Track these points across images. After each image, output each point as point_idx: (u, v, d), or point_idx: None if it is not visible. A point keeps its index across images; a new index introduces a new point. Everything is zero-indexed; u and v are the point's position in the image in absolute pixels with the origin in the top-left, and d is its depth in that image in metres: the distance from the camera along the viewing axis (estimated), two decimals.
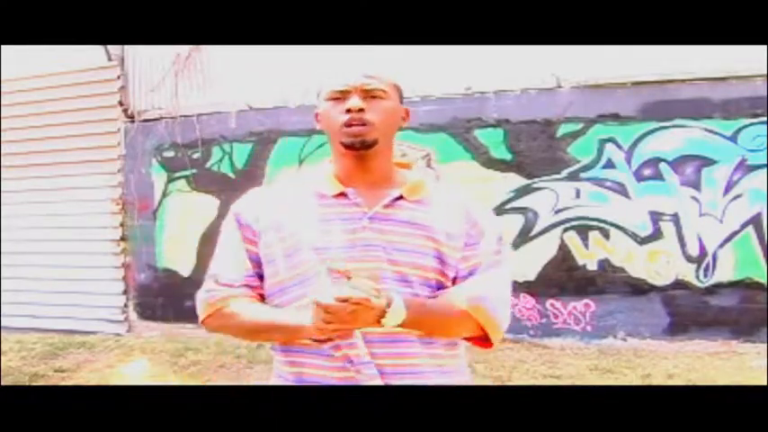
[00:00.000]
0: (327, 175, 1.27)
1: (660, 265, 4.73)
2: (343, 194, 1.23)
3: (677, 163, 4.67)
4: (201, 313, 1.29)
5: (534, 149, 4.92)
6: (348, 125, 1.19)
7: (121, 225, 5.90)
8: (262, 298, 1.27)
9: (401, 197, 1.23)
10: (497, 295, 1.24)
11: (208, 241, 5.19)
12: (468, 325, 1.21)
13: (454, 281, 1.23)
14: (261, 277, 1.26)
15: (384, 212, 1.21)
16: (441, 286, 1.21)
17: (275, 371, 1.28)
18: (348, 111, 1.18)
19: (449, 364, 1.24)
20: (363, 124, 1.18)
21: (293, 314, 1.16)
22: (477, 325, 1.21)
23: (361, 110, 1.18)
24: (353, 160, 1.23)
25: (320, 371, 1.18)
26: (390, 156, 1.28)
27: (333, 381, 1.16)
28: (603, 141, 4.80)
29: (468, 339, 1.27)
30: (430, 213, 1.23)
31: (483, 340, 1.25)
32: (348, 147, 1.20)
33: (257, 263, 1.26)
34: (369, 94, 1.21)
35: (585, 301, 4.84)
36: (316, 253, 1.18)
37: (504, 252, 1.28)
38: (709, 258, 4.64)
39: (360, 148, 1.20)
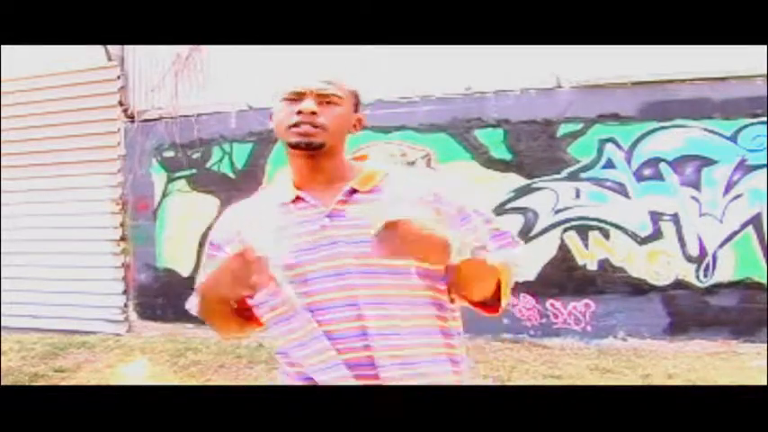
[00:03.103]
0: (285, 182, 1.29)
1: (660, 265, 4.73)
2: (299, 198, 1.24)
3: (677, 163, 4.67)
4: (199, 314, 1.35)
5: (534, 149, 4.92)
6: (296, 125, 1.19)
7: (121, 225, 5.90)
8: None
9: (355, 190, 1.23)
10: (514, 267, 1.26)
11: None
12: (491, 284, 1.22)
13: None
14: None
15: (340, 208, 1.21)
16: (419, 272, 1.19)
17: (280, 368, 1.30)
18: (299, 112, 1.19)
19: (455, 353, 1.24)
20: (314, 126, 1.19)
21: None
22: (495, 286, 1.22)
23: (313, 113, 1.18)
24: (304, 161, 1.24)
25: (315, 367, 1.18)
26: (342, 154, 1.28)
27: (330, 380, 1.16)
28: (603, 141, 4.80)
29: (476, 304, 1.26)
30: (389, 200, 1.22)
31: (489, 305, 1.26)
32: (294, 146, 1.21)
33: None
34: (324, 99, 1.20)
35: (585, 301, 4.84)
36: (279, 260, 1.18)
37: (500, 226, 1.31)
38: (709, 258, 4.64)
39: (305, 149, 1.20)
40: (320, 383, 1.17)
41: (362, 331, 1.16)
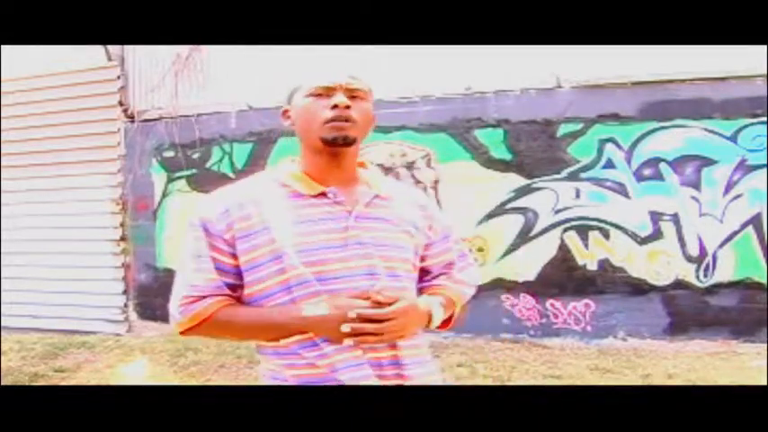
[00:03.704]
0: (297, 174, 1.25)
1: (660, 265, 4.73)
2: (322, 194, 1.22)
3: (677, 163, 4.67)
4: (179, 326, 1.24)
5: (534, 149, 4.92)
6: (332, 121, 1.19)
7: (121, 225, 5.90)
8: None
9: (377, 196, 1.26)
10: (473, 289, 1.42)
11: None
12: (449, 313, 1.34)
13: (426, 273, 1.36)
14: (230, 286, 1.23)
15: (366, 211, 1.23)
16: (414, 278, 1.30)
17: (269, 373, 1.24)
18: (335, 106, 1.18)
19: (427, 353, 1.30)
20: (347, 121, 1.19)
21: (289, 311, 1.17)
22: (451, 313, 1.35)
23: (347, 107, 1.19)
24: (328, 158, 1.23)
25: (312, 369, 1.18)
26: (357, 155, 1.30)
27: (330, 380, 1.16)
28: (603, 141, 4.80)
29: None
30: (398, 208, 1.28)
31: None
32: (329, 143, 1.20)
33: (227, 272, 1.21)
34: (352, 94, 1.21)
35: (585, 301, 4.84)
36: (303, 256, 1.16)
37: (465, 247, 1.45)
38: (709, 258, 4.64)
39: (341, 145, 1.20)
40: (343, 383, 1.15)
41: None
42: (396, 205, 1.28)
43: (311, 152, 1.25)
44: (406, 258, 1.25)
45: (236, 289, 1.24)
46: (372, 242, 1.20)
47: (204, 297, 1.21)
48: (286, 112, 1.29)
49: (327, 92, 1.21)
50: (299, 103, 1.24)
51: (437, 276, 1.36)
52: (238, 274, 1.22)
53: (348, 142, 1.20)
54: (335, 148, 1.21)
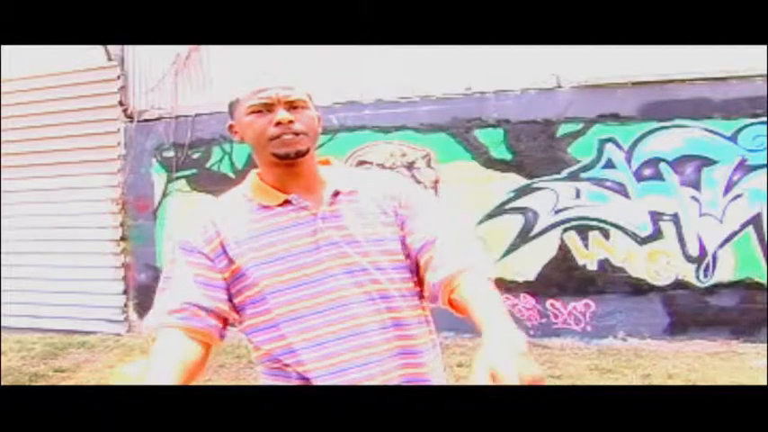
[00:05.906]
0: (261, 186, 1.27)
1: (660, 265, 4.73)
2: (287, 202, 1.23)
3: (677, 163, 4.67)
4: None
5: (534, 149, 4.92)
6: (278, 137, 1.19)
7: (121, 225, 5.90)
8: (216, 318, 1.23)
9: (338, 192, 1.25)
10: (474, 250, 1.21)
11: None
12: None
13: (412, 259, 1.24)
14: (206, 301, 1.22)
15: (331, 210, 1.22)
16: (407, 267, 1.24)
17: (270, 373, 1.26)
18: (278, 123, 1.19)
19: (434, 339, 1.31)
20: (295, 134, 1.19)
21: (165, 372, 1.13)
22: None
23: (290, 121, 1.19)
24: (285, 169, 1.23)
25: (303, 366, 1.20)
26: (315, 159, 1.29)
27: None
28: (603, 141, 4.80)
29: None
30: (365, 200, 1.26)
31: None
32: (282, 157, 1.20)
33: (206, 285, 1.22)
34: (291, 105, 1.21)
35: (585, 301, 4.84)
36: (278, 264, 1.19)
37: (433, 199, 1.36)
38: (709, 258, 4.64)
39: (294, 158, 1.21)
40: (346, 382, 1.16)
41: (395, 322, 1.20)
42: (363, 197, 1.26)
43: (268, 165, 1.25)
44: (390, 250, 1.22)
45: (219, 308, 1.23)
46: (345, 240, 1.20)
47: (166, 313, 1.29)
48: (232, 127, 1.28)
49: (267, 108, 1.21)
50: (242, 119, 1.24)
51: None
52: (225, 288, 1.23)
53: (300, 154, 1.21)
54: (290, 160, 1.21)
